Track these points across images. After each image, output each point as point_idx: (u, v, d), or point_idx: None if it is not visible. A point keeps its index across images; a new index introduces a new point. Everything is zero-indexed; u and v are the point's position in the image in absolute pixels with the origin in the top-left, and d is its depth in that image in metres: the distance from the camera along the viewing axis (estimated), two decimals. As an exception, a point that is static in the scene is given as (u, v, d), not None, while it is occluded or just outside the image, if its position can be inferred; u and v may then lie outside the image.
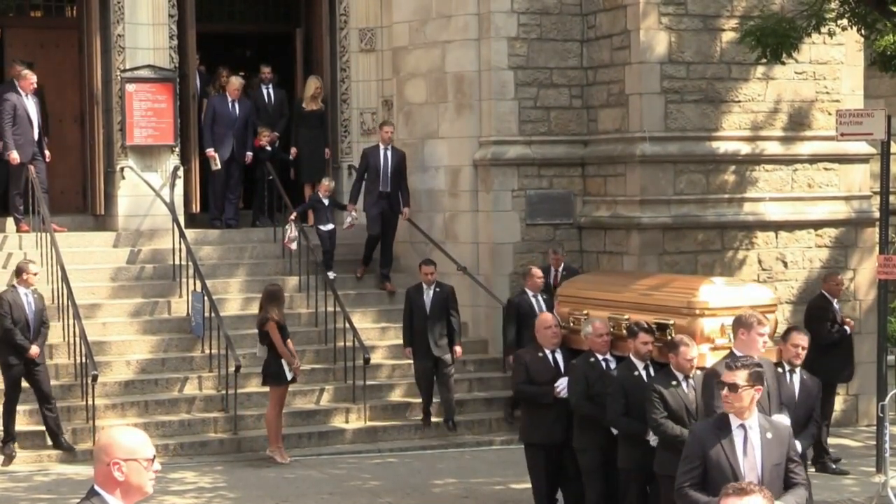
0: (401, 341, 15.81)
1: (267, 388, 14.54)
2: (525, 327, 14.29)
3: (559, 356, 11.34)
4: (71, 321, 15.29)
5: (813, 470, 12.53)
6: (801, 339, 10.82)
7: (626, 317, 10.92)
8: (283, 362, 14.20)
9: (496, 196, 17.20)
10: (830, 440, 14.65)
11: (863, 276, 17.16)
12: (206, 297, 15.65)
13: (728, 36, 16.55)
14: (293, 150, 18.60)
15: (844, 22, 14.14)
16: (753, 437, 7.42)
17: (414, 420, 15.66)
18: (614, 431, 10.65)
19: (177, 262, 16.69)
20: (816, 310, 15.03)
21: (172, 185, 17.51)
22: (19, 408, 14.24)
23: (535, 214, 17.25)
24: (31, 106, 17.08)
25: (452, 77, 17.55)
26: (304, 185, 18.54)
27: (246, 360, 15.23)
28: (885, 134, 14.69)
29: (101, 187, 17.79)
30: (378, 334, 16.82)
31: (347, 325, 15.89)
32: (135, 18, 17.51)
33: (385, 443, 15.33)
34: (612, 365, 10.84)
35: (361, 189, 17.39)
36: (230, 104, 18.16)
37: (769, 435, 7.47)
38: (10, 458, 13.96)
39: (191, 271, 16.28)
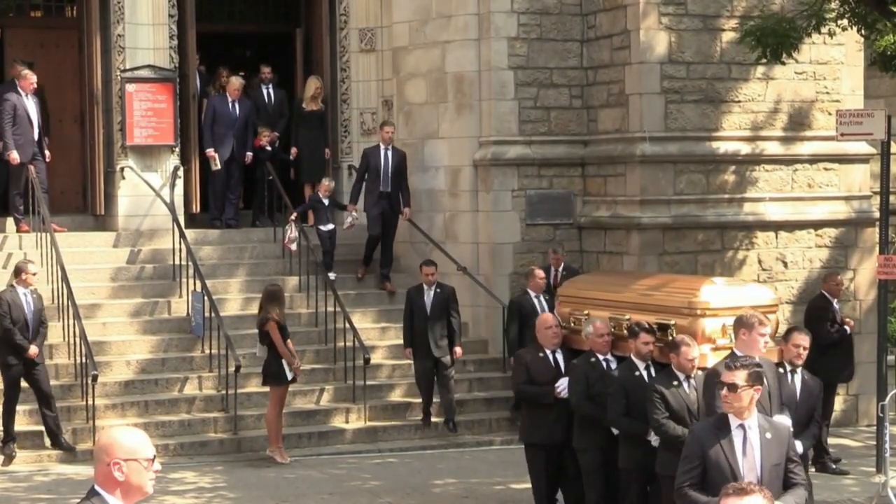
0: (401, 341, 15.81)
1: (267, 388, 14.55)
2: (527, 328, 14.29)
3: (560, 356, 11.34)
4: (71, 321, 15.29)
5: (813, 470, 12.51)
6: (803, 340, 10.82)
7: (627, 317, 10.92)
8: (284, 362, 14.20)
9: (496, 196, 17.20)
10: (830, 440, 14.65)
11: (863, 276, 17.16)
12: (206, 297, 15.65)
13: (728, 36, 16.55)
14: (293, 150, 18.60)
15: (844, 22, 14.14)
16: (753, 438, 7.43)
17: (414, 420, 15.66)
18: (615, 431, 10.65)
19: (177, 262, 16.69)
20: (816, 310, 15.04)
21: (172, 185, 17.51)
22: (19, 408, 14.24)
23: (535, 214, 17.25)
24: (31, 106, 17.08)
25: (452, 77, 17.55)
26: (304, 186, 18.54)
27: (246, 360, 15.23)
28: (885, 134, 14.69)
29: (101, 187, 17.79)
30: (378, 334, 16.82)
31: (347, 325, 15.89)
32: (135, 18, 17.51)
33: (385, 443, 15.33)
34: (613, 365, 10.84)
35: (362, 189, 17.39)
36: (230, 104, 18.16)
37: (768, 435, 7.48)
38: (10, 458, 13.96)
39: (191, 271, 16.28)
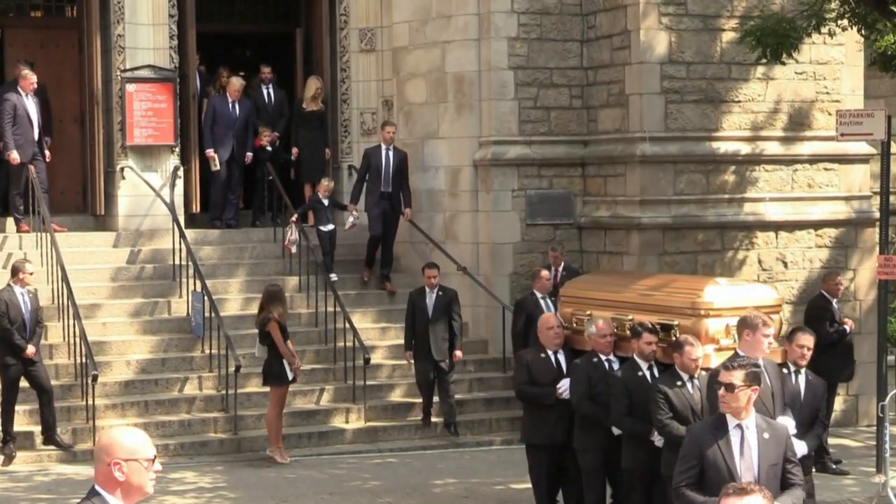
0: (401, 341, 15.81)
1: (267, 388, 14.54)
2: (532, 329, 14.23)
3: (561, 357, 11.32)
4: (71, 321, 15.29)
5: (813, 470, 12.51)
6: (807, 340, 10.78)
7: (630, 317, 10.91)
8: (285, 362, 14.20)
9: (496, 196, 17.19)
10: (830, 440, 14.63)
11: (863, 277, 17.16)
12: (206, 297, 15.65)
13: (728, 36, 16.55)
14: (294, 151, 18.60)
15: (844, 22, 14.14)
16: (750, 438, 7.44)
17: (414, 420, 15.66)
18: (616, 432, 10.64)
19: (177, 262, 16.69)
20: (816, 310, 15.04)
21: (172, 185, 17.51)
22: (18, 407, 14.23)
23: (535, 214, 17.25)
24: (31, 106, 17.08)
25: (452, 77, 17.55)
26: (304, 186, 18.54)
27: (246, 360, 15.22)
28: (885, 134, 14.69)
29: (101, 187, 17.80)
30: (378, 334, 16.82)
31: (347, 325, 15.89)
32: (135, 18, 17.51)
33: (385, 443, 15.33)
34: (616, 366, 10.82)
35: (363, 189, 17.38)
36: (230, 104, 18.16)
37: (766, 435, 7.49)
38: (9, 458, 13.96)
39: (191, 271, 16.28)
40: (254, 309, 15.38)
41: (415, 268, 16.90)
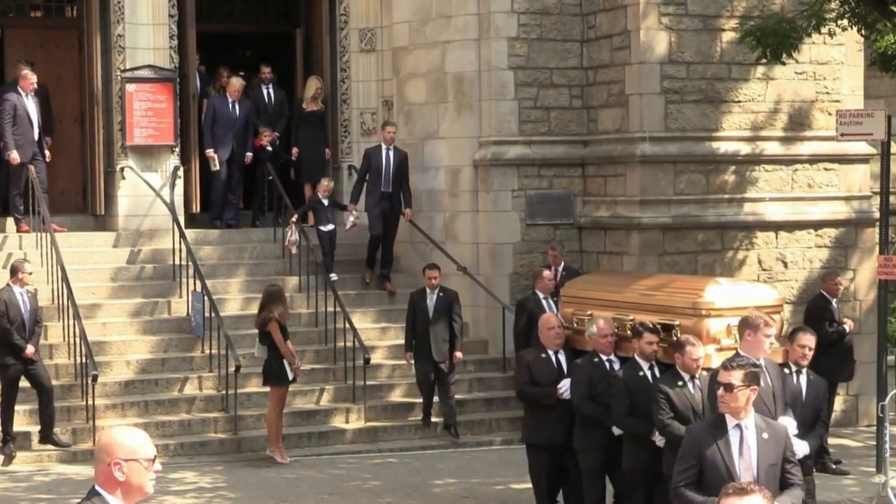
0: (401, 341, 15.81)
1: (267, 388, 14.54)
2: (534, 329, 14.22)
3: (562, 357, 11.31)
4: (71, 321, 15.29)
5: (814, 470, 12.50)
6: (808, 340, 10.77)
7: (631, 317, 10.90)
8: (285, 362, 14.20)
9: (496, 196, 17.19)
10: (830, 440, 14.62)
11: (863, 277, 17.16)
12: (206, 297, 15.65)
13: (728, 36, 16.55)
14: (294, 151, 18.59)
15: (844, 22, 14.14)
16: (749, 438, 7.44)
17: (414, 420, 15.66)
18: (616, 432, 10.63)
19: (177, 262, 16.69)
20: (815, 309, 15.04)
21: (172, 186, 17.51)
22: (18, 407, 14.24)
23: (535, 214, 17.25)
24: (31, 106, 17.09)
25: (452, 77, 17.55)
26: (304, 186, 18.54)
27: (246, 360, 15.22)
28: (885, 134, 14.69)
29: (101, 187, 17.80)
30: (378, 334, 16.82)
31: (347, 325, 15.89)
32: (135, 18, 17.51)
33: (385, 443, 15.33)
34: (616, 366, 10.81)
35: (363, 189, 17.38)
36: (230, 105, 18.16)
37: (765, 435, 7.49)
38: (10, 458, 13.96)
39: (191, 271, 16.28)
40: (254, 309, 15.38)
41: (415, 268, 16.89)
